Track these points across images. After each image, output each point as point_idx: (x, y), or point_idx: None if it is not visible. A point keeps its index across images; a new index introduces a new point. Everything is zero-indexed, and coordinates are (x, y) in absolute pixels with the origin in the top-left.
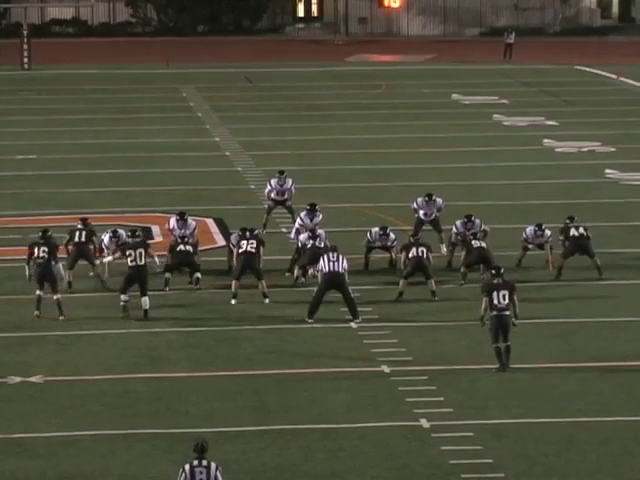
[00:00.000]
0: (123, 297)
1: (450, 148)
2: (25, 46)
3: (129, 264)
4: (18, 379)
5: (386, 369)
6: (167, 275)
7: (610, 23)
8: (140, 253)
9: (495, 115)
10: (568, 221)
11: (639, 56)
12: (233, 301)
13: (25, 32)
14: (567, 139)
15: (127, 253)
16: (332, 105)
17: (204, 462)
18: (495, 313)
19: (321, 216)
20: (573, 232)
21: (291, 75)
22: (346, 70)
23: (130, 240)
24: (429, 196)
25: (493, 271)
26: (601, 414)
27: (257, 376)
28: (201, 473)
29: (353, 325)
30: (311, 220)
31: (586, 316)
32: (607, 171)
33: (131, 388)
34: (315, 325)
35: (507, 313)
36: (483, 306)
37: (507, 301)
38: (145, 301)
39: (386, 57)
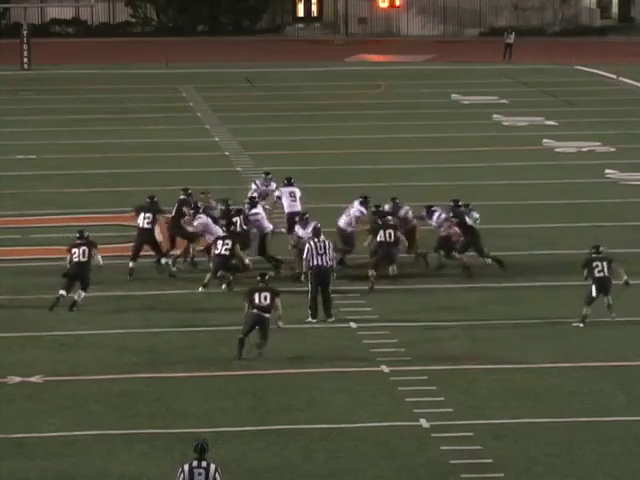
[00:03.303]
0: (61, 292)
1: (450, 148)
2: (25, 46)
3: (73, 261)
4: (18, 379)
5: (385, 369)
6: (220, 273)
7: (610, 23)
8: (84, 251)
9: (495, 115)
10: (593, 251)
11: (639, 56)
12: (200, 289)
13: (25, 32)
14: (567, 139)
15: (72, 251)
16: (332, 105)
17: (203, 463)
18: (597, 276)
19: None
20: (598, 273)
21: (291, 75)
22: (346, 70)
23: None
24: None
25: (594, 249)
26: (601, 414)
27: (256, 376)
28: (200, 474)
29: (352, 325)
30: (303, 228)
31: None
32: (607, 171)
33: (131, 388)
34: (315, 325)
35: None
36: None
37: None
38: (80, 294)
39: (386, 57)
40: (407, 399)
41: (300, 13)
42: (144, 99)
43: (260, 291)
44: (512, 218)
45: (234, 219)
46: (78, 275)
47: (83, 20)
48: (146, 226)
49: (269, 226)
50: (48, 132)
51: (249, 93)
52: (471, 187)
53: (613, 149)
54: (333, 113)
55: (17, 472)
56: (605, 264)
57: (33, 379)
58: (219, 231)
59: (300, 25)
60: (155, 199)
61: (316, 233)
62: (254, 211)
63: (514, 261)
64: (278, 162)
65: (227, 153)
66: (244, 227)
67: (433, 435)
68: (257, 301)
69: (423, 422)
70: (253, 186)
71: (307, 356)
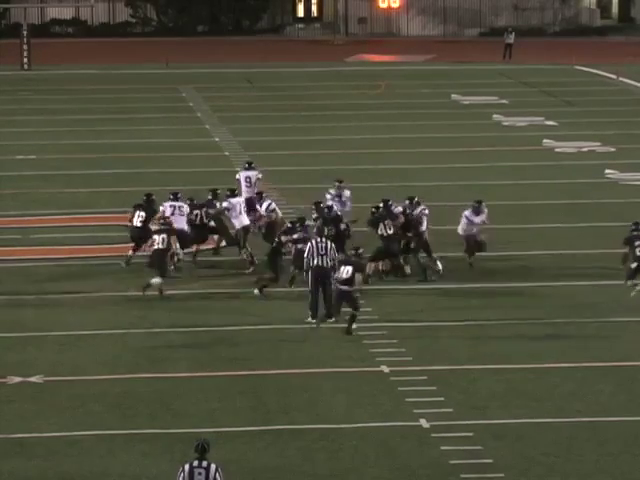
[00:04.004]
0: (153, 280)
1: (450, 148)
2: (25, 46)
3: (153, 248)
4: (18, 379)
5: (386, 369)
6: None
7: (610, 23)
8: (163, 239)
9: (495, 115)
10: (633, 228)
11: (639, 56)
12: (154, 279)
13: (25, 32)
14: (567, 139)
15: (153, 238)
16: (332, 105)
17: (204, 463)
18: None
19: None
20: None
21: (291, 75)
22: (346, 70)
23: None
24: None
25: (633, 226)
26: (601, 414)
27: (257, 376)
28: (200, 474)
29: (353, 325)
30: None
31: (586, 316)
32: (607, 171)
33: (131, 388)
34: (314, 325)
35: None
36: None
37: None
38: (156, 280)
39: (386, 57)
40: (407, 399)
41: (300, 13)
42: (144, 99)
43: (344, 264)
44: (512, 218)
45: (195, 212)
46: (157, 263)
47: (83, 20)
48: (138, 224)
49: (243, 222)
50: (48, 132)
51: (249, 93)
52: (471, 187)
53: (613, 149)
54: (333, 113)
55: (17, 472)
56: None
57: (33, 379)
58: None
59: (300, 25)
60: (152, 197)
61: (319, 232)
62: (225, 205)
63: (514, 261)
64: (278, 162)
65: (227, 153)
66: (204, 221)
67: (433, 435)
68: (338, 275)
69: (423, 422)
70: (328, 196)
71: (307, 356)
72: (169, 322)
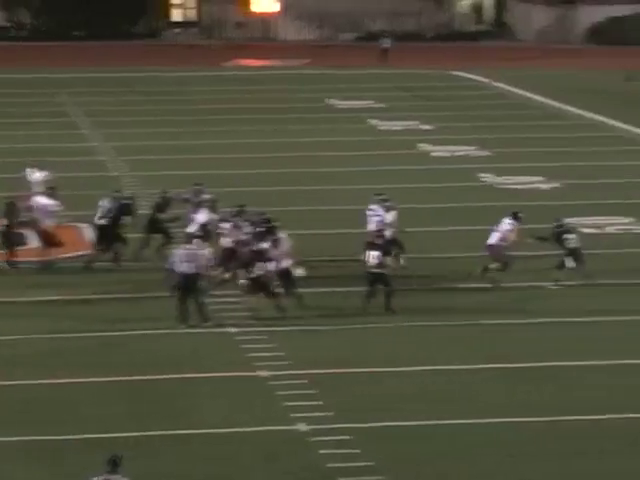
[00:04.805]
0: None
1: (326, 152)
2: None
3: None
4: None
5: (264, 373)
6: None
7: (483, 28)
8: None
9: (370, 119)
10: (557, 225)
11: (512, 60)
12: None
13: None
14: (441, 143)
15: None
16: (210, 110)
17: (115, 477)
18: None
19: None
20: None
21: (168, 80)
22: (223, 75)
23: None
24: None
25: (555, 222)
26: (486, 415)
27: (135, 382)
28: None
29: (231, 330)
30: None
31: (464, 319)
32: (481, 175)
33: (7, 395)
34: (192, 330)
35: None
36: None
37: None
38: None
39: (262, 61)
40: (286, 403)
41: (177, 18)
42: (19, 104)
43: (371, 249)
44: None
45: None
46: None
47: None
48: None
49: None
50: None
51: (126, 98)
52: (349, 191)
53: (487, 153)
54: (211, 118)
55: None
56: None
57: None
58: None
59: (177, 30)
60: (14, 204)
61: (189, 238)
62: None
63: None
64: (154, 167)
65: (103, 158)
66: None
67: (312, 439)
68: (366, 258)
69: (302, 426)
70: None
71: (186, 361)
72: (51, 327)
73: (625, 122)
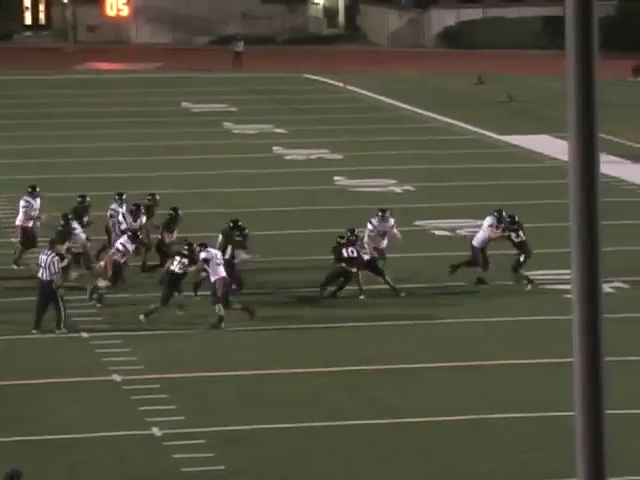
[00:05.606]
0: None
1: (181, 156)
2: None
3: None
4: None
5: (118, 378)
6: None
7: (336, 32)
8: None
9: (225, 123)
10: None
11: (366, 64)
12: None
13: None
14: (296, 147)
15: None
16: (62, 113)
17: None
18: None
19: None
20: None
21: (20, 83)
22: (75, 78)
23: None
24: None
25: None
26: (333, 418)
27: None
28: None
29: (84, 335)
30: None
31: (323, 322)
32: (335, 178)
33: None
34: (46, 335)
35: None
36: None
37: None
38: None
39: (115, 65)
40: (140, 408)
41: (28, 21)
42: None
43: (345, 247)
44: (246, 225)
45: None
46: None
47: None
48: None
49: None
50: None
51: None
52: (205, 195)
53: (341, 156)
54: (63, 121)
55: None
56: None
57: None
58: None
59: (28, 33)
60: None
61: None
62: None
63: (251, 269)
64: (6, 171)
65: None
66: None
67: (165, 443)
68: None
69: (156, 430)
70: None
71: (40, 366)
72: None
73: (475, 125)
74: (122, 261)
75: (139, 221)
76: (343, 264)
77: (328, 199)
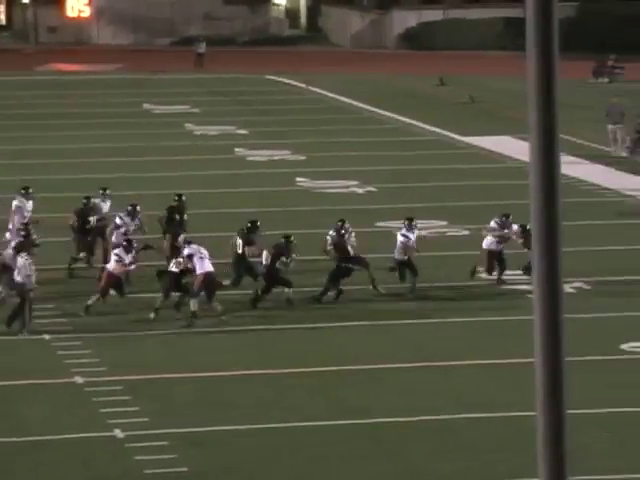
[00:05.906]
0: None
1: (143, 157)
2: None
3: None
4: None
5: (80, 380)
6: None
7: (298, 33)
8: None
9: (187, 124)
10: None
11: (327, 65)
12: None
13: None
14: (258, 148)
15: None
16: (23, 115)
17: None
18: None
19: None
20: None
21: None
22: (36, 80)
23: None
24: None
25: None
26: (298, 419)
27: None
28: None
29: (46, 337)
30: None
31: (285, 322)
32: (298, 179)
33: None
34: (8, 337)
35: None
36: None
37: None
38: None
39: (76, 66)
40: (102, 410)
41: None
42: None
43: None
44: (208, 227)
45: None
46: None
47: None
48: None
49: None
50: None
51: None
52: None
53: (303, 157)
54: (24, 123)
55: None
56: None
57: None
58: None
59: None
60: None
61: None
62: None
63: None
64: None
65: None
66: None
67: (128, 445)
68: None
69: (118, 432)
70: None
71: (2, 368)
72: None
73: (437, 126)
74: (118, 273)
75: (136, 221)
76: (350, 264)
77: (290, 200)
